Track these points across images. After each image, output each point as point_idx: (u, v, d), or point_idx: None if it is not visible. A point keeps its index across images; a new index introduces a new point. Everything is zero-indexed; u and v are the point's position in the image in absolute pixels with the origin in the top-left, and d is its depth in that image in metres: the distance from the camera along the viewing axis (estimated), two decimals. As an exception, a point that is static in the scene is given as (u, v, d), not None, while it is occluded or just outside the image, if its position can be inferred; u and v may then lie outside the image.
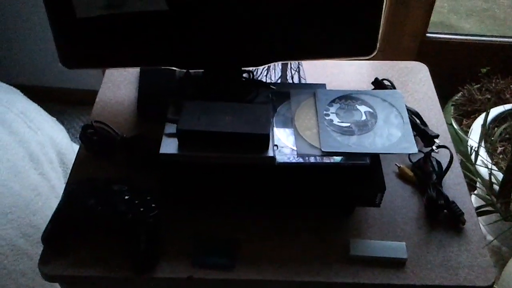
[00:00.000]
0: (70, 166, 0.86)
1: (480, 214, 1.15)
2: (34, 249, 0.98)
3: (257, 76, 0.96)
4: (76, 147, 0.96)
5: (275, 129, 0.75)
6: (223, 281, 0.71)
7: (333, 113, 0.77)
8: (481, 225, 1.24)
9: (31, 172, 1.05)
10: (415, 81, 1.01)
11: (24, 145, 1.07)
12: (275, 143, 0.73)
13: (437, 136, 0.84)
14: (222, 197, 0.76)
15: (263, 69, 0.98)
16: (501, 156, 1.22)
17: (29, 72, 1.82)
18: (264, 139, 0.71)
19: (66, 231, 0.73)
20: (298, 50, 0.87)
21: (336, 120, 0.76)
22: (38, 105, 1.26)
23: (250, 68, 0.89)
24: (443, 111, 0.93)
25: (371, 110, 0.78)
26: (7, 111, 1.11)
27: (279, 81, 0.96)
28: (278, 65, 0.99)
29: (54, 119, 1.27)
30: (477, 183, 1.23)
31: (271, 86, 0.84)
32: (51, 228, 0.73)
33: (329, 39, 0.86)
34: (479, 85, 1.56)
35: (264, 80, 0.94)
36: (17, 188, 1.00)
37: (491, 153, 1.24)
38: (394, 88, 0.93)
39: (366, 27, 0.85)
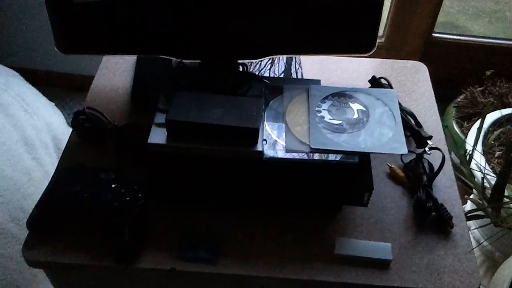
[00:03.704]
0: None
1: (471, 218, 1.15)
2: (24, 234, 0.97)
3: (260, 70, 0.95)
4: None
5: (265, 123, 0.75)
6: (206, 275, 0.71)
7: (325, 109, 0.77)
8: (475, 229, 1.23)
9: (24, 156, 1.05)
10: (413, 81, 0.99)
11: (19, 128, 1.07)
12: (265, 138, 0.72)
13: (430, 138, 0.83)
14: (209, 191, 0.76)
15: (266, 62, 0.97)
16: (496, 161, 1.20)
17: (32, 56, 1.82)
18: (254, 133, 0.70)
19: (52, 217, 0.73)
20: (295, 44, 0.86)
21: (327, 117, 0.75)
22: (39, 89, 1.25)
23: (246, 62, 0.88)
24: (444, 112, 0.91)
25: (363, 109, 0.77)
26: (3, 94, 1.11)
27: (282, 75, 0.95)
28: (283, 59, 0.98)
29: (53, 104, 1.27)
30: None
31: (264, 80, 0.83)
32: (37, 213, 0.73)
33: (326, 34, 0.85)
34: (482, 88, 1.55)
35: (268, 74, 0.93)
36: (9, 172, 1.00)
37: (489, 158, 1.23)
38: (391, 87, 0.92)
39: (365, 24, 0.83)
